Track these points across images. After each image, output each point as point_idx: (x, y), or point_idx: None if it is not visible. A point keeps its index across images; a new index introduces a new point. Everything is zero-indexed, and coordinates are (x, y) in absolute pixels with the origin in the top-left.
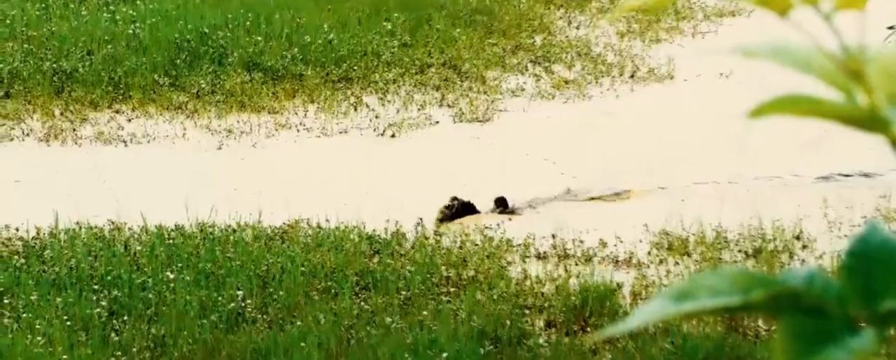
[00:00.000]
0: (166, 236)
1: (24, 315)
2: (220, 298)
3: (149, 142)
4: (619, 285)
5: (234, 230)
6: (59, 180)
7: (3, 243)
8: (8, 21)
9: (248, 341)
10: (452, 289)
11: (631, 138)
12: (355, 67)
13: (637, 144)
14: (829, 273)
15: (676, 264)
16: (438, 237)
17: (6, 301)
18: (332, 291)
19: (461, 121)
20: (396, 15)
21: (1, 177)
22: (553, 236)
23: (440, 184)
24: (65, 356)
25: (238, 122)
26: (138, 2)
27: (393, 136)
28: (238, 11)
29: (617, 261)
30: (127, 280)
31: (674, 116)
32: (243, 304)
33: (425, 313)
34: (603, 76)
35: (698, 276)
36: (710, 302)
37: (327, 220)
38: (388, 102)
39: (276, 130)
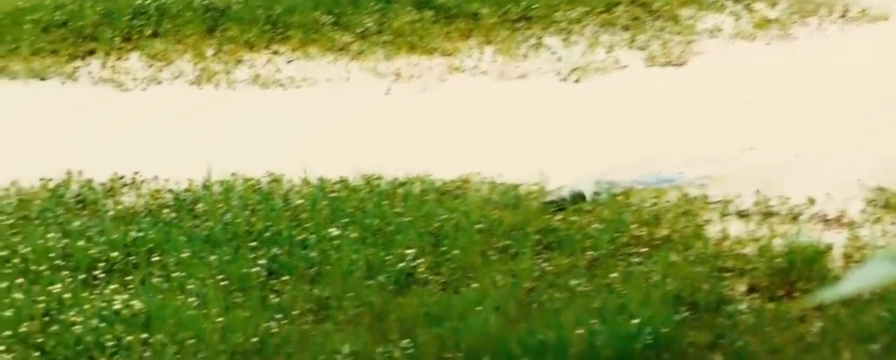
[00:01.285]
0: (329, 190)
1: (175, 274)
2: (388, 257)
3: (309, 86)
4: (829, 247)
5: (403, 183)
6: (211, 128)
7: (151, 195)
8: None
9: (419, 304)
10: (644, 249)
11: (841, 84)
12: (535, 5)
13: (848, 90)
14: None
15: (893, 223)
16: (628, 192)
17: (155, 259)
18: (511, 250)
19: (652, 64)
20: None
21: (149, 124)
22: (756, 192)
23: (628, 133)
24: (220, 319)
25: (407, 65)
26: None
27: (577, 81)
28: None
29: (826, 220)
30: (287, 237)
31: (890, 60)
32: (414, 264)
33: (614, 275)
34: (810, 15)
35: None
36: None
37: (501, 174)
38: (572, 43)
39: (449, 73)
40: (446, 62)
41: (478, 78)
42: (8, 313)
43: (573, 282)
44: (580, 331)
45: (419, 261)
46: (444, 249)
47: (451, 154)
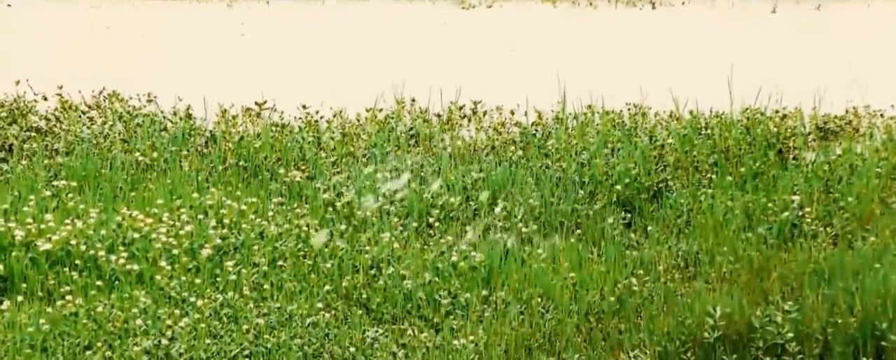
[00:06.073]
0: (701, 125)
1: (520, 224)
2: (769, 205)
3: (683, 4)
4: None
5: (784, 117)
6: (566, 51)
7: (494, 129)
8: None
9: (806, 259)
10: None
11: None
12: None
13: None
14: None
15: None
16: None
17: (499, 204)
18: None
19: None
20: None
21: (494, 45)
22: None
23: None
24: (572, 275)
25: None
26: None
27: None
28: None
29: None
30: (649, 180)
31: None
32: (800, 213)
33: None
34: None
35: None
36: None
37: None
38: None
39: None
40: None
41: None
42: (328, 264)
43: None
44: None
45: (806, 210)
46: (835, 196)
47: (842, 83)
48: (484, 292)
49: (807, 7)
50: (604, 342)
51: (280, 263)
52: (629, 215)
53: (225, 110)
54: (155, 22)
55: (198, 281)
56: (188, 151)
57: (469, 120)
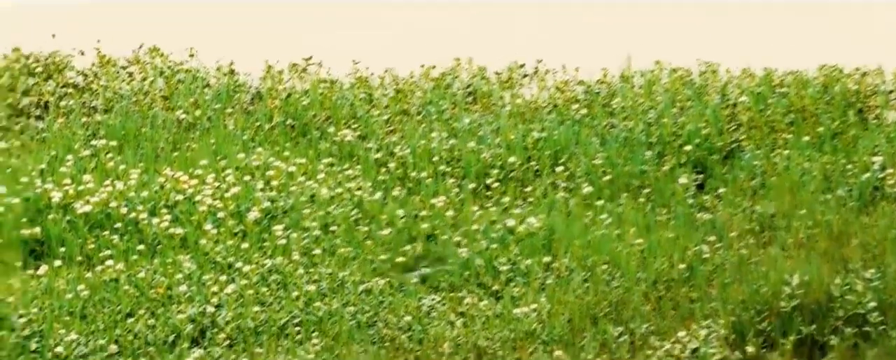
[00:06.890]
0: (778, 82)
1: (585, 185)
2: (849, 167)
3: None
4: None
5: (865, 74)
6: (631, 7)
7: (557, 88)
8: None
9: (888, 224)
10: None
11: None
12: None
13: None
14: None
15: None
16: None
17: (561, 165)
18: None
19: None
20: None
21: (556, 2)
22: None
23: None
24: (639, 241)
25: None
26: None
27: None
28: None
29: None
30: (721, 140)
31: None
32: (881, 175)
33: None
34: None
35: None
36: None
37: None
38: None
39: None
40: None
41: None
42: (386, 231)
43: None
44: None
45: (888, 172)
46: None
47: None
48: (546, 259)
49: None
50: (674, 311)
51: (332, 228)
52: (701, 176)
53: (270, 66)
54: None
55: (245, 246)
56: (232, 108)
57: (530, 79)
